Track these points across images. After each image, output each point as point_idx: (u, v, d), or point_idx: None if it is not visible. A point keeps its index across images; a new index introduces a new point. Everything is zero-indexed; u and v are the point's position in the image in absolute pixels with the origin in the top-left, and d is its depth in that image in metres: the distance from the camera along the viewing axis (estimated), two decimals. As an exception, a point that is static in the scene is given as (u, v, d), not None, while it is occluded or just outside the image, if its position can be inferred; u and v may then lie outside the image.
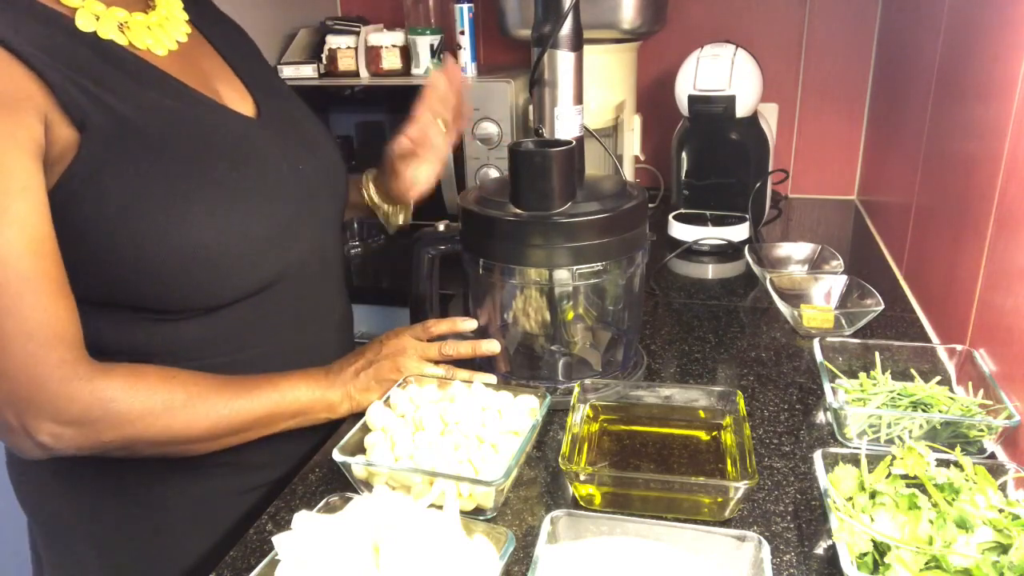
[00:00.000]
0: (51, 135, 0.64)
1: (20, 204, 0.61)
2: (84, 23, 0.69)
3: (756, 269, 1.22)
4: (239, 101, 0.81)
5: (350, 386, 0.82)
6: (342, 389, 0.81)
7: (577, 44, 0.93)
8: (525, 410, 0.79)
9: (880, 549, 0.60)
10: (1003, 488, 0.65)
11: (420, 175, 0.96)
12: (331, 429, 0.87)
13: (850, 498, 0.65)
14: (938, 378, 0.85)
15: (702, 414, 0.82)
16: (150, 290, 0.70)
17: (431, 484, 0.69)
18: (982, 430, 0.75)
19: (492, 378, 0.87)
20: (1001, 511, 0.61)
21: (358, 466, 0.72)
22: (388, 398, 0.81)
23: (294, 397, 0.77)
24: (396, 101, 1.56)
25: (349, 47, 1.64)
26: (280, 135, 0.82)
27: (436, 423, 0.77)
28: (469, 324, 0.89)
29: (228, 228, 0.72)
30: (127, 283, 0.69)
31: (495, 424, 0.76)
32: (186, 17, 0.81)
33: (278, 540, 0.59)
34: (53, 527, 0.82)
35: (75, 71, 0.65)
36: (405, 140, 0.93)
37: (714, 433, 0.80)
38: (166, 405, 0.69)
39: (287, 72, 1.62)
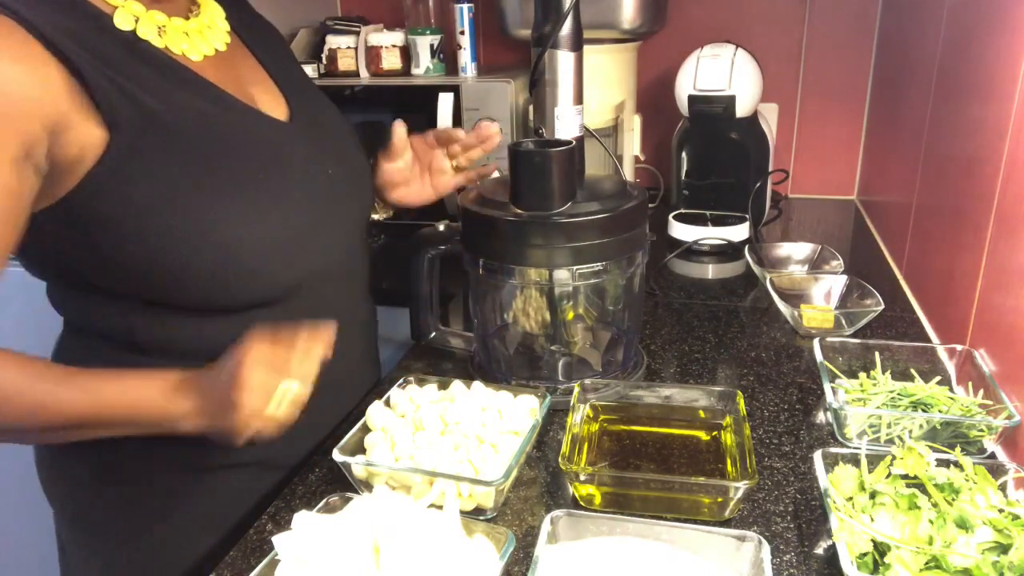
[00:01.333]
0: (70, 137, 0.63)
1: None
2: (122, 22, 0.69)
3: (756, 269, 1.22)
4: (273, 105, 0.82)
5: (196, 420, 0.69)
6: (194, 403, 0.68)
7: (577, 44, 0.93)
8: (525, 410, 0.79)
9: (880, 549, 0.60)
10: (1003, 488, 0.65)
11: (410, 195, 1.00)
12: (332, 429, 0.87)
13: (850, 498, 0.65)
14: (938, 378, 0.85)
15: (702, 414, 0.82)
16: (172, 287, 0.70)
17: (431, 484, 0.69)
18: (982, 430, 0.75)
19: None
20: (1001, 511, 0.61)
21: (358, 466, 0.72)
22: (388, 398, 0.81)
23: (132, 398, 0.68)
24: (396, 101, 1.56)
25: (349, 47, 1.64)
26: (310, 139, 0.82)
27: (436, 423, 0.77)
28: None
29: (252, 229, 0.72)
30: (151, 279, 0.69)
31: (495, 424, 0.76)
32: (227, 27, 0.81)
33: (278, 540, 0.59)
34: (80, 521, 0.82)
35: (108, 66, 0.65)
36: (396, 168, 0.96)
37: (714, 433, 0.80)
38: None
39: (287, 72, 1.62)
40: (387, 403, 0.81)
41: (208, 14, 0.79)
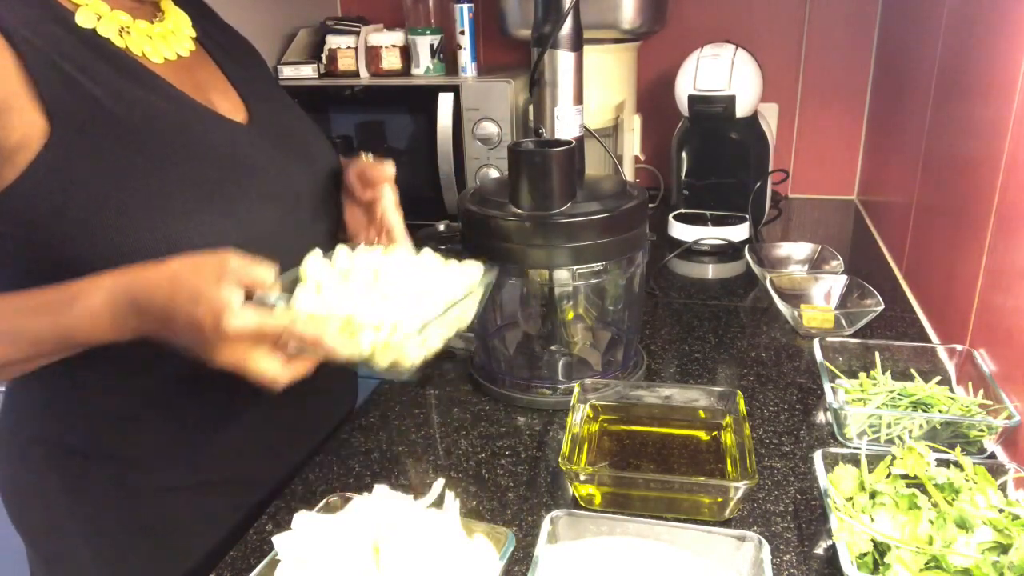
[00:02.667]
0: (12, 120, 0.62)
1: None
2: (84, 19, 0.68)
3: (756, 269, 1.22)
4: (232, 111, 0.79)
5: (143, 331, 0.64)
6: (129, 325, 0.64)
7: (577, 44, 0.93)
8: (467, 280, 0.74)
9: (880, 549, 0.60)
10: (1003, 488, 0.65)
11: None
12: (331, 432, 0.86)
13: (850, 498, 0.65)
14: (938, 378, 0.85)
15: (702, 414, 0.82)
16: None
17: (352, 335, 0.64)
18: (982, 430, 0.75)
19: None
20: (1001, 511, 0.61)
21: (276, 305, 0.64)
22: (332, 254, 0.73)
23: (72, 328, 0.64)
24: (396, 101, 1.56)
25: (349, 47, 1.64)
26: (271, 144, 0.80)
27: (368, 276, 0.70)
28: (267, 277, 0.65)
29: (204, 231, 0.68)
30: None
31: (430, 287, 0.71)
32: (193, 34, 0.80)
33: (278, 540, 0.59)
34: (54, 549, 0.80)
35: (59, 55, 0.64)
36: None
37: (714, 433, 0.80)
38: None
39: (287, 72, 1.62)
40: (327, 255, 0.73)
41: (173, 20, 0.77)
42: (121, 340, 0.64)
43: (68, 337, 0.65)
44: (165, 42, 0.75)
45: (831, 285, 1.12)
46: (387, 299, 0.67)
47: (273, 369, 0.63)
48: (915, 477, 0.65)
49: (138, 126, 0.68)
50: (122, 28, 0.71)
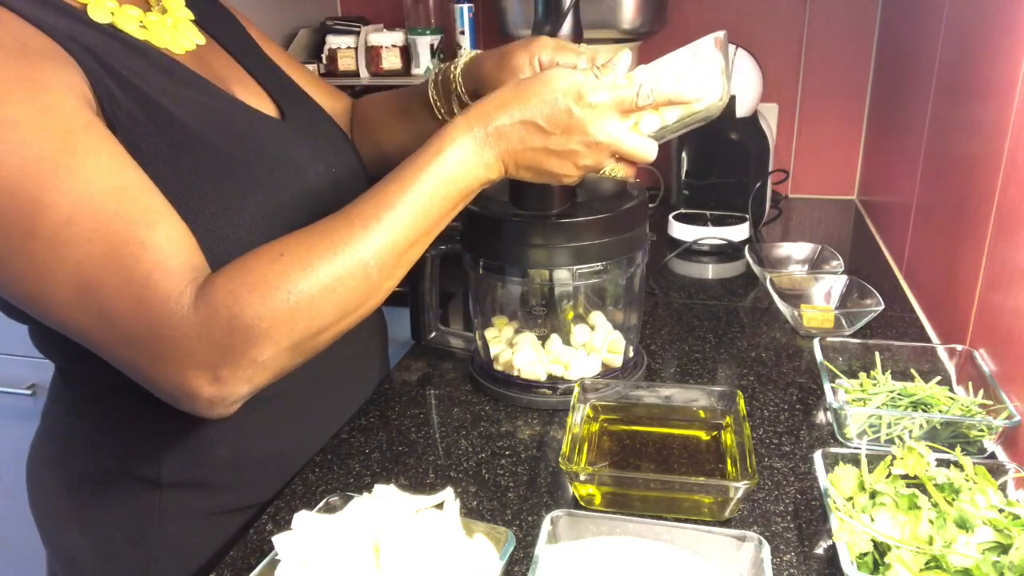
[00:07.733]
0: None
1: (90, 139, 0.56)
2: (98, 15, 0.65)
3: (756, 269, 1.22)
4: (261, 104, 0.78)
5: (509, 161, 0.68)
6: (496, 152, 0.66)
7: (577, 44, 0.93)
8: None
9: (880, 549, 0.60)
10: (1003, 488, 0.65)
11: None
12: (329, 433, 0.87)
13: (850, 498, 0.65)
14: (938, 378, 0.85)
15: (702, 414, 0.82)
16: None
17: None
18: (982, 430, 0.75)
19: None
20: (1001, 511, 0.61)
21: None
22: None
23: (449, 173, 0.65)
24: (396, 101, 1.56)
25: (349, 47, 1.65)
26: (307, 138, 0.79)
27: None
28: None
29: (275, 233, 0.65)
30: None
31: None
32: (191, 16, 0.77)
33: (278, 540, 0.59)
34: (70, 559, 0.79)
35: (101, 61, 0.62)
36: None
37: (714, 433, 0.80)
38: (285, 277, 0.58)
39: (287, 72, 1.62)
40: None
41: (171, 9, 0.74)
42: (490, 179, 0.68)
43: (449, 185, 0.65)
44: (180, 33, 0.73)
45: (831, 285, 1.12)
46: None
47: (642, 143, 0.71)
48: (915, 477, 0.65)
49: (197, 129, 0.66)
50: (139, 23, 0.69)
